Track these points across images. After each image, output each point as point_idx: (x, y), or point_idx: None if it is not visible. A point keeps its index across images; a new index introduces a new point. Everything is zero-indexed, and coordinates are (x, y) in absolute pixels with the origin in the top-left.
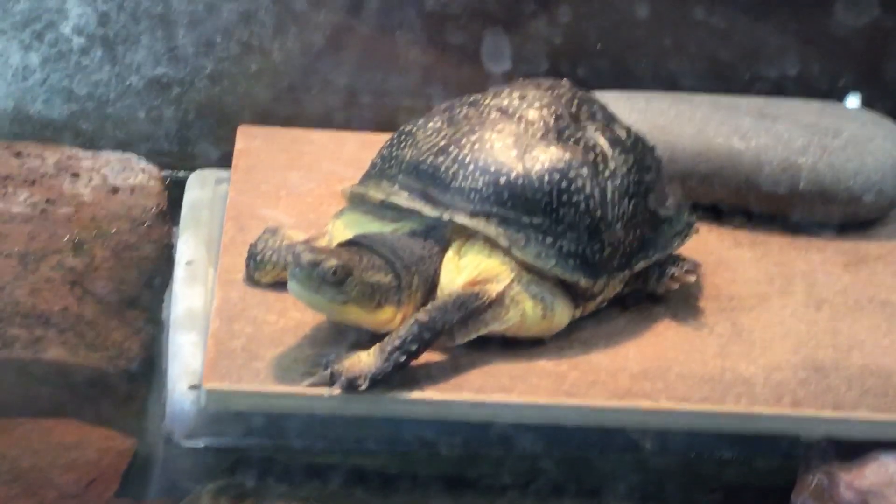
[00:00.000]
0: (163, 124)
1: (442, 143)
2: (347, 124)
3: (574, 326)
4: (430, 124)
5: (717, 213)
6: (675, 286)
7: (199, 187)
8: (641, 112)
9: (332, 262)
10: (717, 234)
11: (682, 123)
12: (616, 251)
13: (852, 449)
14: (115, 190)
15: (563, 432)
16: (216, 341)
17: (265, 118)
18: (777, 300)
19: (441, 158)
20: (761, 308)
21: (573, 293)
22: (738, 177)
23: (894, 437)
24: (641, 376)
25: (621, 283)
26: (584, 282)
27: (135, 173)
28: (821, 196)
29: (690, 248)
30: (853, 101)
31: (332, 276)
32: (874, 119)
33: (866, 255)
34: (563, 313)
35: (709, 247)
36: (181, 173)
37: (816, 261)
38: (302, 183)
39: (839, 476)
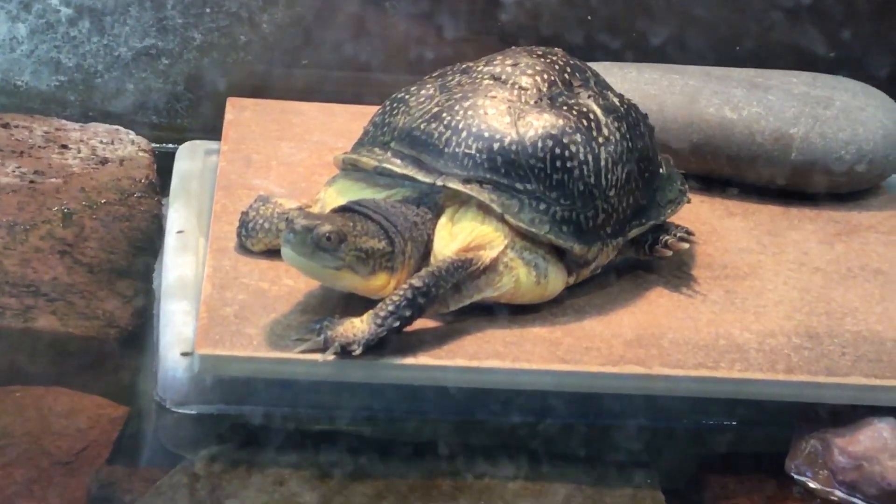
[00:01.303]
0: (152, 96)
1: (435, 110)
2: (337, 97)
3: (568, 293)
4: (423, 91)
5: (709, 184)
6: (669, 253)
7: (189, 158)
8: (633, 82)
9: (327, 228)
10: (710, 205)
11: (674, 93)
12: (610, 218)
13: (846, 414)
14: (104, 161)
15: (557, 400)
16: (208, 308)
17: (255, 90)
18: (770, 268)
19: (434, 125)
20: (754, 276)
21: (567, 260)
22: (730, 147)
23: (888, 402)
24: (635, 343)
25: (615, 251)
26: (577, 248)
27: (124, 145)
28: (812, 166)
29: (683, 217)
30: None
31: (327, 242)
32: (866, 89)
33: (858, 224)
34: (556, 280)
35: (701, 217)
36: (171, 145)
37: (809, 230)
38: (292, 153)
39: (833, 441)
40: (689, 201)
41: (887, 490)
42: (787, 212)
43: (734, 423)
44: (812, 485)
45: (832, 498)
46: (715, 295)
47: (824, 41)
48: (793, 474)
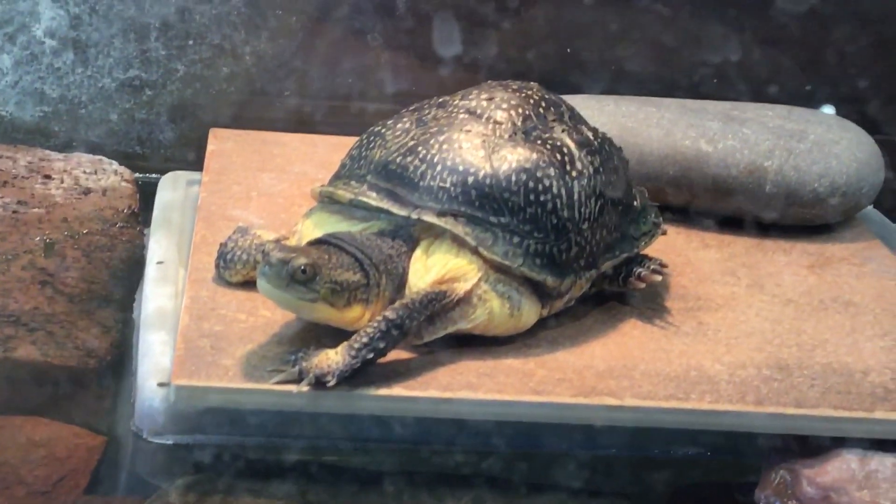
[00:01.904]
0: (135, 126)
1: (410, 144)
2: (319, 128)
3: (541, 325)
4: (399, 125)
5: (685, 216)
6: (642, 285)
7: (171, 189)
8: (610, 115)
9: (302, 260)
10: (685, 236)
11: (650, 126)
12: (583, 251)
13: (815, 446)
14: (87, 191)
15: (530, 431)
16: (185, 339)
17: (237, 121)
18: (743, 300)
19: (409, 158)
20: (727, 308)
21: (540, 292)
22: (706, 179)
23: (856, 433)
24: (607, 374)
25: (588, 283)
26: (550, 281)
27: (107, 175)
28: (786, 198)
29: (658, 249)
30: (829, 110)
31: (302, 274)
32: (840, 123)
33: (831, 256)
34: (530, 312)
35: (676, 248)
36: (154, 175)
37: (782, 262)
38: (273, 184)
39: (802, 472)
40: (664, 233)
41: None
42: (762, 243)
43: (706, 453)
44: None
45: None
46: (687, 326)
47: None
48: None
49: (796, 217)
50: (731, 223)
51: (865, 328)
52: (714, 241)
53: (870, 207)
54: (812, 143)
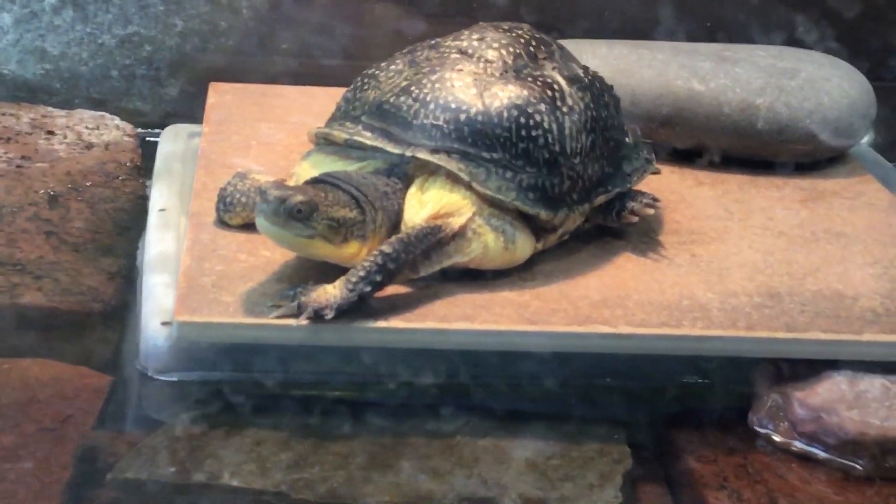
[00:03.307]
0: (136, 82)
1: (404, 84)
2: (319, 81)
3: (536, 259)
4: (393, 66)
5: (679, 155)
6: (635, 219)
7: (172, 140)
8: (603, 57)
9: (299, 198)
10: (679, 175)
11: (643, 67)
12: (575, 185)
13: (806, 369)
14: (89, 146)
15: (524, 360)
16: (187, 278)
17: (237, 75)
18: (736, 233)
19: (403, 98)
20: (720, 241)
21: (534, 226)
22: (698, 118)
23: (845, 355)
24: (601, 304)
25: (582, 217)
26: (544, 214)
27: (109, 130)
28: (779, 135)
29: (653, 187)
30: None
31: (298, 212)
32: (832, 61)
33: (823, 191)
34: (524, 245)
35: (671, 186)
36: (156, 130)
37: (775, 197)
38: (272, 134)
39: (793, 395)
40: (657, 171)
41: (844, 439)
42: (755, 180)
43: (700, 380)
44: (774, 437)
45: (793, 449)
46: (681, 259)
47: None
48: (756, 427)
49: (789, 153)
50: (726, 161)
51: (856, 257)
52: (708, 178)
53: (864, 145)
54: (803, 80)
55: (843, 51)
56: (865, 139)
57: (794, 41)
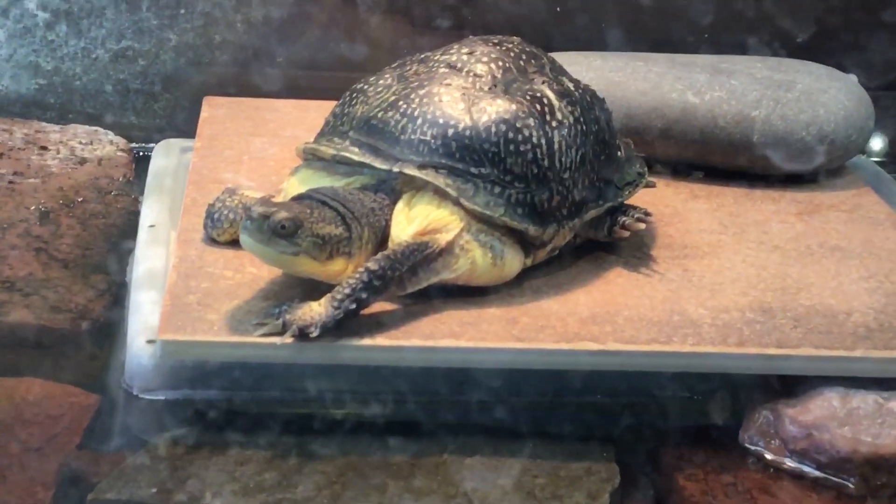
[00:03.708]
0: (130, 97)
1: (392, 99)
2: (313, 94)
3: (525, 275)
4: (381, 81)
5: (674, 168)
6: (626, 234)
7: (165, 156)
8: (598, 70)
9: (283, 215)
10: (674, 188)
11: (637, 80)
12: (565, 200)
13: (798, 386)
14: (82, 161)
15: (516, 379)
16: (172, 296)
17: (231, 89)
18: (730, 248)
19: (391, 113)
20: (713, 255)
21: (523, 242)
22: (693, 131)
23: (836, 372)
24: (590, 320)
25: (572, 232)
26: (532, 230)
27: (102, 145)
28: (774, 148)
29: (647, 201)
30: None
31: (283, 229)
32: (830, 72)
33: (820, 204)
34: (513, 261)
35: (665, 200)
36: (150, 145)
37: (770, 210)
38: (265, 148)
39: (784, 412)
40: (652, 185)
41: (836, 457)
42: (751, 193)
43: (690, 396)
44: (765, 455)
45: (784, 467)
46: (672, 274)
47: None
48: (746, 445)
49: (785, 166)
50: (721, 174)
51: (851, 271)
52: (703, 192)
53: (862, 156)
54: (800, 92)
55: (842, 61)
56: (864, 151)
57: (792, 52)
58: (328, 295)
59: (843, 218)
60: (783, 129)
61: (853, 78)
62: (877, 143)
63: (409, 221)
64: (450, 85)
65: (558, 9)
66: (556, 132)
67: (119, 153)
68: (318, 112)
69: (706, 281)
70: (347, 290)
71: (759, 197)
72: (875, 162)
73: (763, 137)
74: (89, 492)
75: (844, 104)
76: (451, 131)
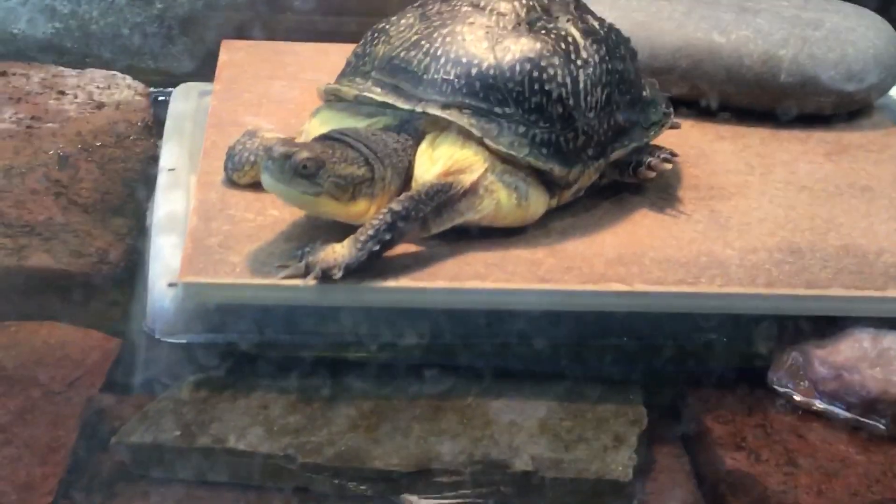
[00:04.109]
0: (147, 40)
1: (414, 38)
2: (333, 37)
3: (551, 216)
4: (403, 21)
5: (700, 109)
6: (652, 175)
7: (184, 99)
8: (622, 9)
9: (304, 155)
10: (700, 129)
11: (662, 20)
12: (590, 140)
13: (827, 327)
14: (100, 106)
15: (541, 321)
16: (193, 239)
17: (249, 32)
18: (757, 188)
19: (413, 52)
20: (740, 196)
21: (548, 182)
22: (719, 71)
23: (867, 312)
24: (617, 262)
25: (597, 173)
26: (557, 170)
27: (120, 90)
28: (802, 87)
29: (673, 142)
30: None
31: (304, 169)
32: (858, 11)
33: (849, 144)
34: (537, 202)
35: (691, 141)
36: (168, 89)
37: (798, 151)
38: (284, 91)
39: (813, 353)
40: (677, 126)
41: (867, 398)
42: (777, 134)
43: (719, 337)
44: (794, 396)
45: (813, 408)
46: (699, 215)
47: None
48: (775, 386)
49: (813, 106)
50: (747, 115)
51: (881, 211)
52: (729, 132)
53: (891, 95)
54: (828, 30)
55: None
56: (893, 90)
57: None
58: (351, 236)
59: (871, 158)
60: (811, 68)
61: None
62: None
63: (433, 162)
64: (473, 24)
65: None
66: (581, 71)
67: (137, 97)
68: (337, 55)
69: (733, 222)
70: (371, 231)
71: (785, 137)
72: None
73: (790, 77)
74: (113, 434)
75: (874, 43)
76: (474, 70)
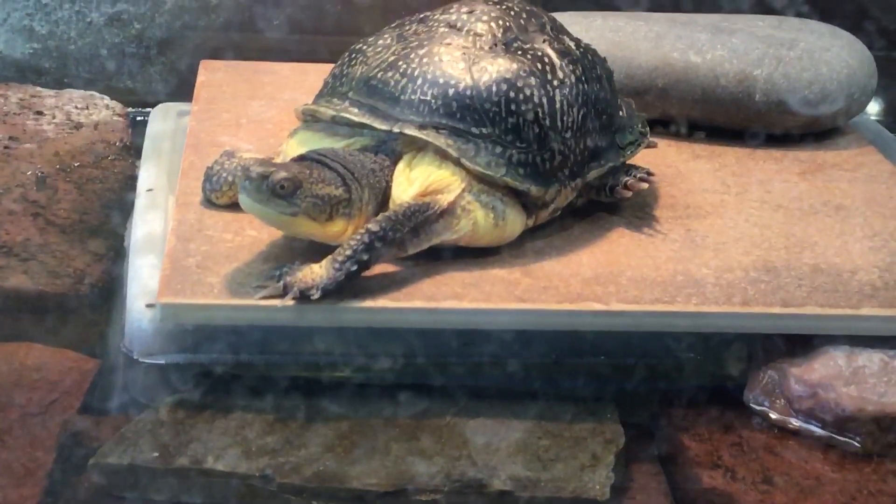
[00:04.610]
0: (126, 61)
1: (391, 59)
2: (310, 56)
3: (528, 235)
4: (380, 41)
5: (676, 128)
6: (629, 194)
7: (162, 120)
8: (598, 30)
9: (282, 175)
10: (676, 148)
11: (638, 39)
12: (567, 160)
13: (803, 345)
14: (78, 126)
15: (519, 341)
16: (171, 260)
17: (227, 52)
18: (732, 207)
19: (390, 73)
20: (716, 215)
21: (525, 202)
22: (695, 90)
23: (842, 330)
24: (593, 281)
25: (574, 192)
26: (534, 190)
27: (98, 110)
28: (777, 107)
29: (649, 161)
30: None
31: (282, 189)
32: (832, 31)
33: (823, 163)
34: (514, 222)
35: (667, 160)
36: (146, 109)
37: (773, 170)
38: (262, 111)
39: (789, 371)
40: (654, 145)
41: (841, 416)
42: (753, 153)
43: (695, 356)
44: (770, 414)
45: (789, 426)
46: (675, 234)
47: None
48: (751, 404)
49: (787, 125)
50: (723, 134)
51: (855, 230)
52: (705, 152)
53: (865, 115)
54: (802, 50)
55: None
56: (867, 110)
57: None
58: (329, 257)
59: (846, 177)
60: (785, 88)
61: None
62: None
63: (410, 182)
64: (450, 44)
65: None
66: (557, 91)
67: (115, 118)
68: (316, 75)
69: (709, 241)
70: (349, 252)
71: (761, 156)
72: (877, 121)
73: (765, 96)
74: (91, 456)
75: (847, 62)
76: (451, 91)
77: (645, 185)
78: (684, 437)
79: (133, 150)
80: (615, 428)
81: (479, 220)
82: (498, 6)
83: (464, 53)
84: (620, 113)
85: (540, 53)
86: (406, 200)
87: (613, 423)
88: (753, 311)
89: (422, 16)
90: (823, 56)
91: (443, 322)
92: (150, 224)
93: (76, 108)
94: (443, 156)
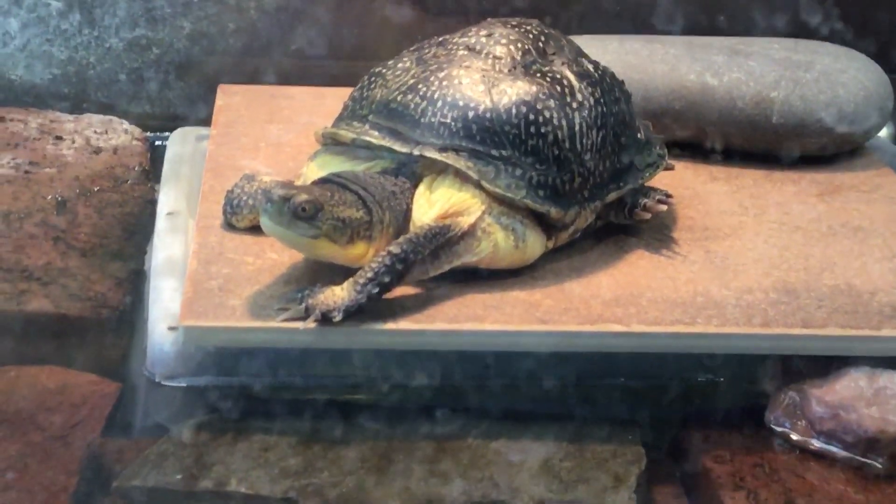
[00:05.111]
0: (144, 86)
1: (411, 82)
2: (328, 81)
3: (548, 257)
4: (400, 64)
5: (693, 150)
6: (647, 216)
7: (181, 144)
8: (615, 53)
9: (303, 197)
10: (693, 170)
11: (655, 62)
12: (586, 182)
13: (824, 366)
14: (97, 151)
15: (540, 362)
16: (193, 282)
17: (246, 76)
18: (751, 229)
19: (410, 96)
20: (735, 236)
21: (545, 224)
22: (712, 113)
23: (863, 352)
24: (613, 303)
25: (593, 214)
26: (554, 212)
27: (117, 134)
28: (794, 129)
29: (667, 184)
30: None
31: (303, 212)
32: (848, 53)
33: (841, 184)
34: (535, 244)
35: (685, 182)
36: (165, 133)
37: (791, 192)
38: (281, 135)
39: (810, 392)
40: (671, 167)
41: (863, 437)
42: (770, 175)
43: (716, 378)
44: (791, 435)
45: (811, 447)
46: (695, 255)
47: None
48: (772, 426)
49: (805, 147)
50: (740, 156)
51: (874, 251)
52: (722, 174)
53: (882, 137)
54: (819, 72)
55: (861, 42)
56: (883, 131)
57: (809, 33)
58: (351, 279)
59: (863, 198)
60: (802, 110)
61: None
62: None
63: (431, 205)
64: (469, 67)
65: None
66: (576, 114)
67: (134, 142)
68: (333, 99)
69: (729, 262)
70: (370, 274)
71: (778, 178)
72: (893, 143)
73: (782, 118)
74: (114, 479)
75: (864, 84)
76: (471, 113)
77: (663, 207)
78: (706, 459)
79: (152, 175)
80: (637, 449)
81: (499, 241)
82: (516, 29)
83: (483, 76)
84: (639, 135)
85: (559, 76)
86: (427, 223)
87: (635, 445)
88: (774, 333)
89: (441, 39)
90: (840, 78)
91: (464, 344)
92: (171, 247)
93: (95, 132)
94: (463, 178)
